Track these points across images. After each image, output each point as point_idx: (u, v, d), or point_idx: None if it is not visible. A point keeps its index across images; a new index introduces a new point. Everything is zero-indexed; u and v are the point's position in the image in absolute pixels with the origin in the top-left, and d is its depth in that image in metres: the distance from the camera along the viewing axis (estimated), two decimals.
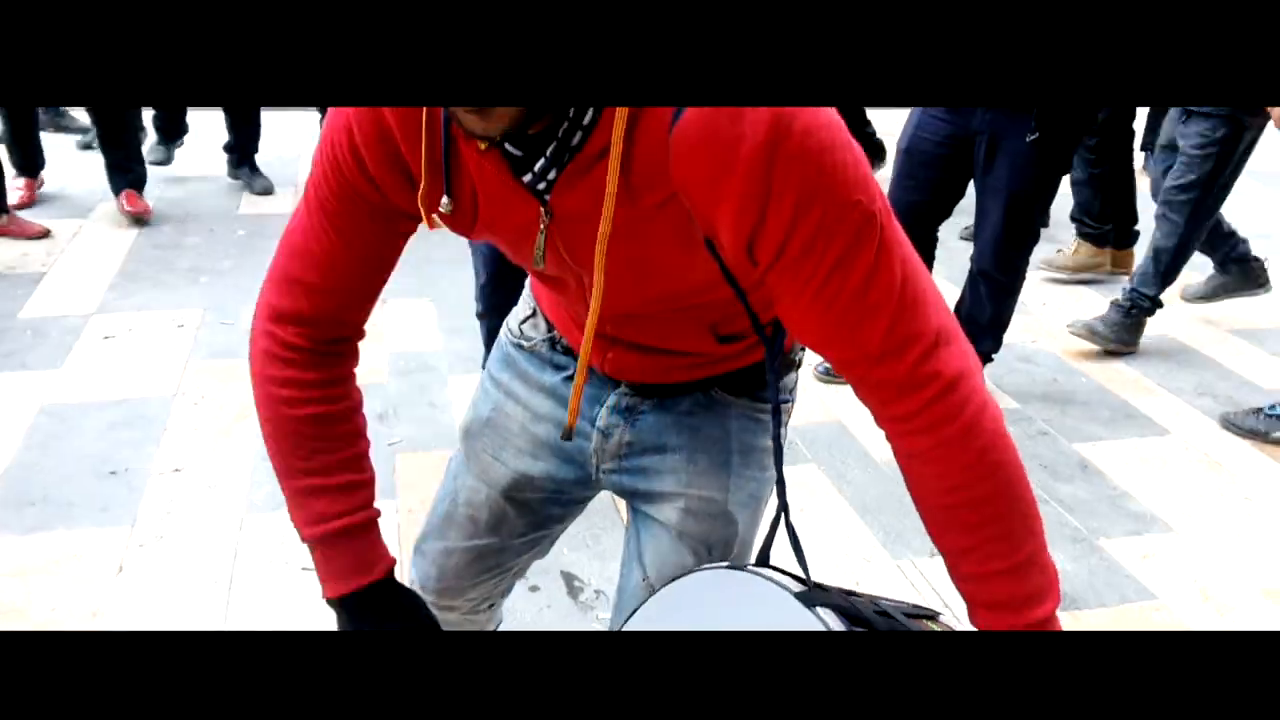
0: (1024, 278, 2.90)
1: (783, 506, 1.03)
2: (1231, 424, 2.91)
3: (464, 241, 1.15)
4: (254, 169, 4.54)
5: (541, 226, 0.89)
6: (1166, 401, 3.06)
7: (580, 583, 2.11)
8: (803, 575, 0.92)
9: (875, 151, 5.08)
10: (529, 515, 1.26)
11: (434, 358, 3.07)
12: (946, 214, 2.89)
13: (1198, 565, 2.28)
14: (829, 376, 3.03)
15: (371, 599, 1.03)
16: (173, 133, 4.73)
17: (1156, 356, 3.36)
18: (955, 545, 0.90)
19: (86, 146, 5.09)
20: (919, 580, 2.17)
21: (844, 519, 2.39)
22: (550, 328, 1.21)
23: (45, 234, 3.79)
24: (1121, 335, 3.33)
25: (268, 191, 4.48)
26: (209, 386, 2.80)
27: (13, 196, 3.92)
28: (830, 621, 0.83)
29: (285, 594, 2.01)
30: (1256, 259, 3.58)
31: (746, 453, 1.16)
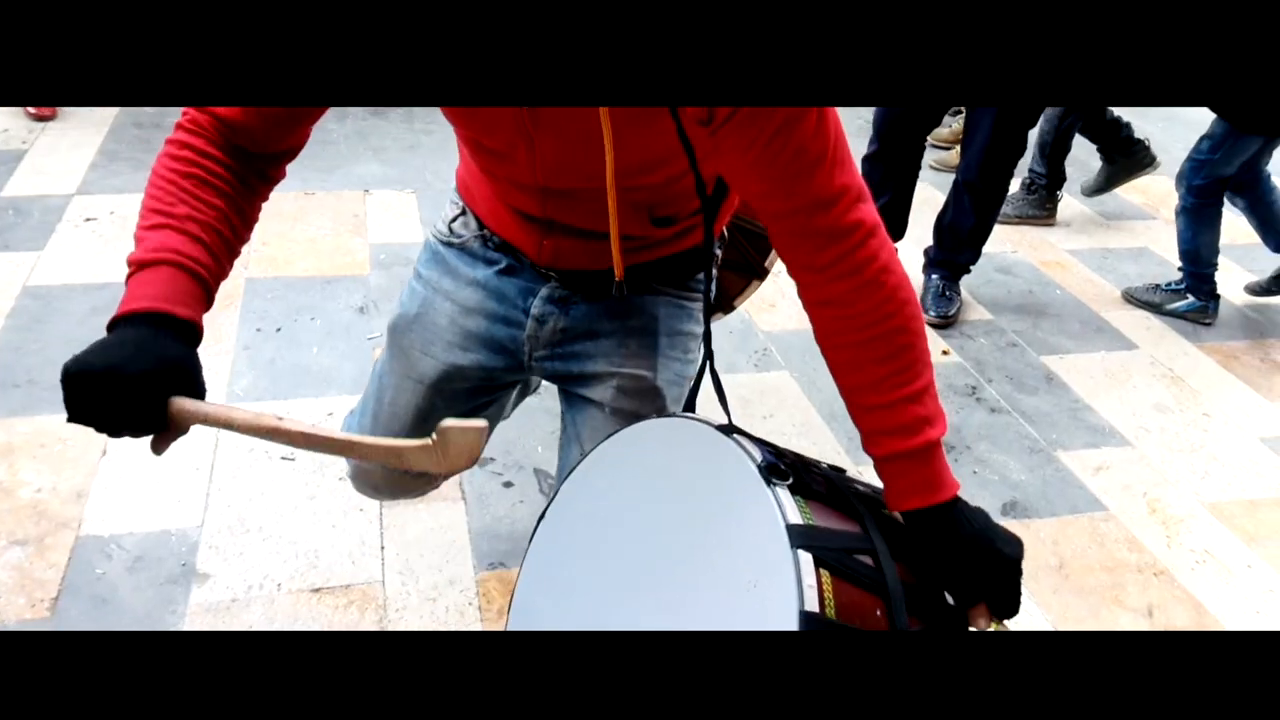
0: (1007, 189, 2.91)
1: (708, 355, 1.14)
2: (1132, 296, 3.17)
3: (448, 131, 1.18)
4: None
5: None
6: (1138, 316, 3.10)
7: (553, 479, 2.18)
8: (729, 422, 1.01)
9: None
10: (458, 405, 1.33)
11: (416, 250, 3.08)
12: (935, 124, 2.88)
13: (1150, 480, 2.36)
14: None
15: (147, 324, 0.90)
16: None
17: (1134, 270, 3.39)
18: (864, 380, 0.98)
19: None
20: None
21: (810, 424, 2.46)
22: (480, 225, 1.25)
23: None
24: (1023, 210, 3.66)
25: None
26: None
27: None
28: (747, 445, 0.91)
29: (265, 483, 2.07)
30: (1141, 141, 3.67)
31: (673, 335, 1.24)
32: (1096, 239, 3.63)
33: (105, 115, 3.78)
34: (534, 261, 1.23)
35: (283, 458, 2.14)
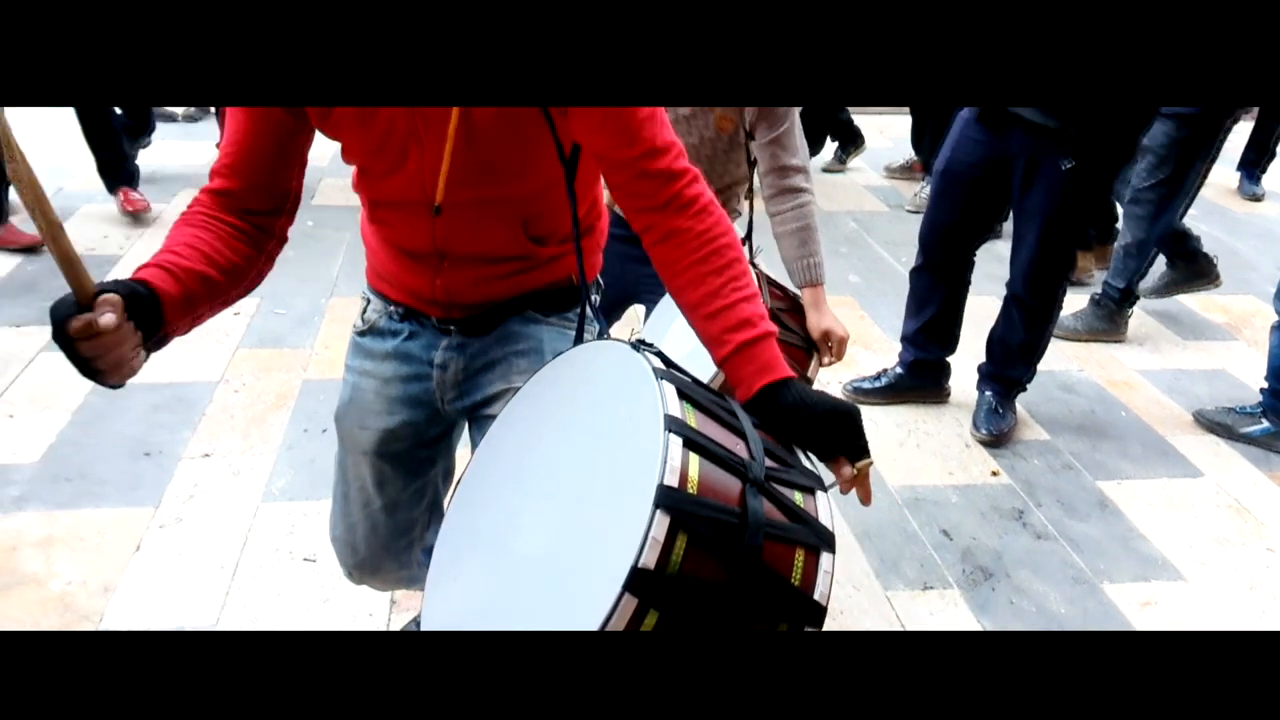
0: (1059, 305, 2.84)
1: (579, 336, 1.35)
2: (1203, 419, 3.03)
3: None
4: None
5: None
6: (1206, 441, 2.95)
7: None
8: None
9: (852, 138, 5.31)
10: (403, 465, 1.51)
11: None
12: (982, 235, 2.85)
13: (1200, 617, 2.21)
14: (856, 395, 3.02)
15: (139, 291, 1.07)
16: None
17: (1208, 392, 3.24)
18: (705, 291, 1.16)
19: (190, 119, 5.36)
20: (906, 617, 2.16)
21: (841, 543, 2.39)
22: (385, 301, 1.45)
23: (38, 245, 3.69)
24: (1092, 324, 3.55)
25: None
26: (251, 375, 2.94)
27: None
28: (651, 358, 1.03)
29: (284, 584, 2.11)
30: (1206, 255, 3.62)
31: (558, 354, 1.31)
32: (1170, 358, 3.49)
33: None
34: (430, 315, 1.41)
35: (304, 559, 2.18)
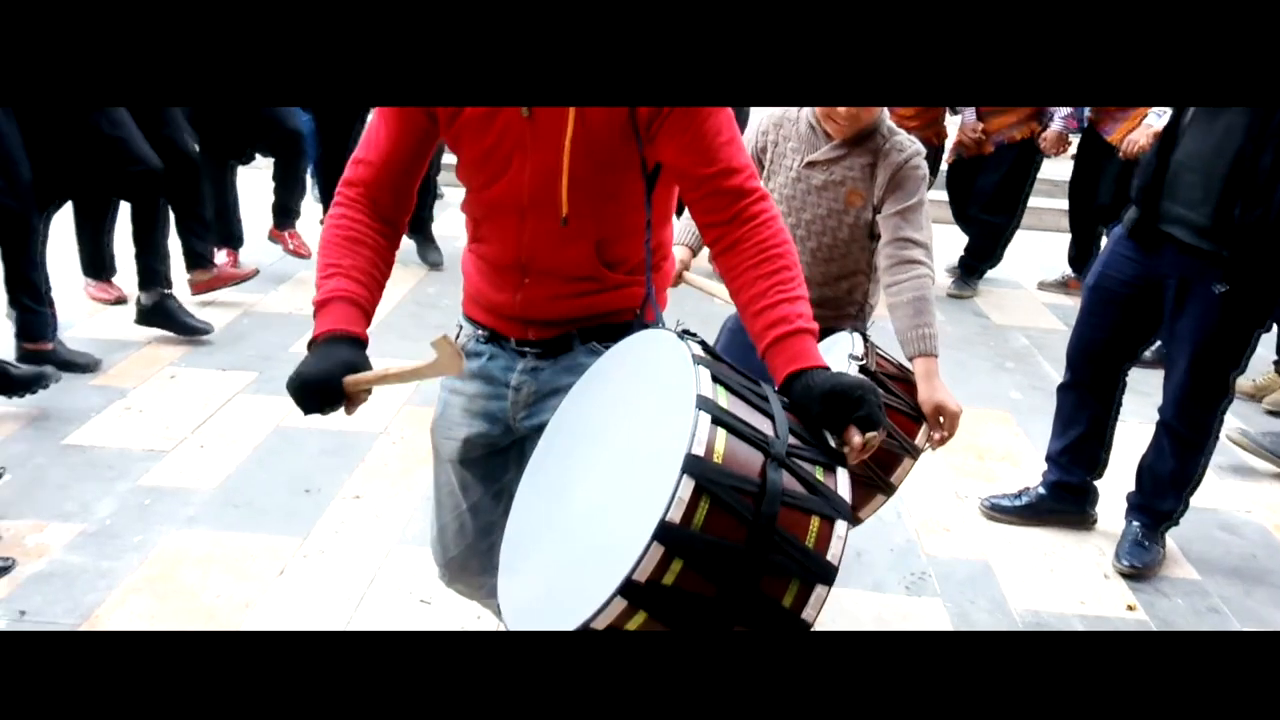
0: (1215, 436, 2.69)
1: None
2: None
3: None
4: (427, 238, 4.96)
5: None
6: None
7: None
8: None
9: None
10: (481, 470, 1.68)
11: None
12: (1132, 356, 2.76)
13: None
14: (994, 513, 2.94)
15: (329, 341, 1.38)
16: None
17: None
18: (755, 292, 1.35)
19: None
20: None
21: None
22: (474, 326, 1.64)
23: (254, 273, 4.33)
24: (1278, 446, 3.35)
25: (438, 266, 4.89)
26: (410, 430, 3.19)
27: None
28: (693, 346, 1.21)
29: (399, 619, 2.28)
30: None
31: None
32: None
33: (398, 291, 4.40)
34: (509, 337, 1.59)
35: (421, 600, 2.34)
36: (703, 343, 1.24)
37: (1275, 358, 3.97)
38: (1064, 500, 2.94)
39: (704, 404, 1.10)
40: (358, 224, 1.48)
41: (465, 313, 1.67)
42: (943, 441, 1.94)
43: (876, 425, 1.23)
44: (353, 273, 1.44)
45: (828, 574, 1.12)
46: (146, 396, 3.31)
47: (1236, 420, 3.59)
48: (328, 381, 1.32)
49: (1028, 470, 3.25)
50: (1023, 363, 4.26)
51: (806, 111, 2.12)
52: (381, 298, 1.48)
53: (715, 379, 1.15)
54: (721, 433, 1.09)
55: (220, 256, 4.32)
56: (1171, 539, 2.85)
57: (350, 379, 1.33)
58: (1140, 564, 2.71)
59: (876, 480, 1.92)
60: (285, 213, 4.57)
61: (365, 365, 1.37)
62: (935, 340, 1.95)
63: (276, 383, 3.42)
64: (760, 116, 2.23)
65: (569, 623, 1.07)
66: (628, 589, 1.04)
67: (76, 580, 2.34)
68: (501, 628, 2.08)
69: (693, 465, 1.05)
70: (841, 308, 2.17)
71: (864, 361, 1.88)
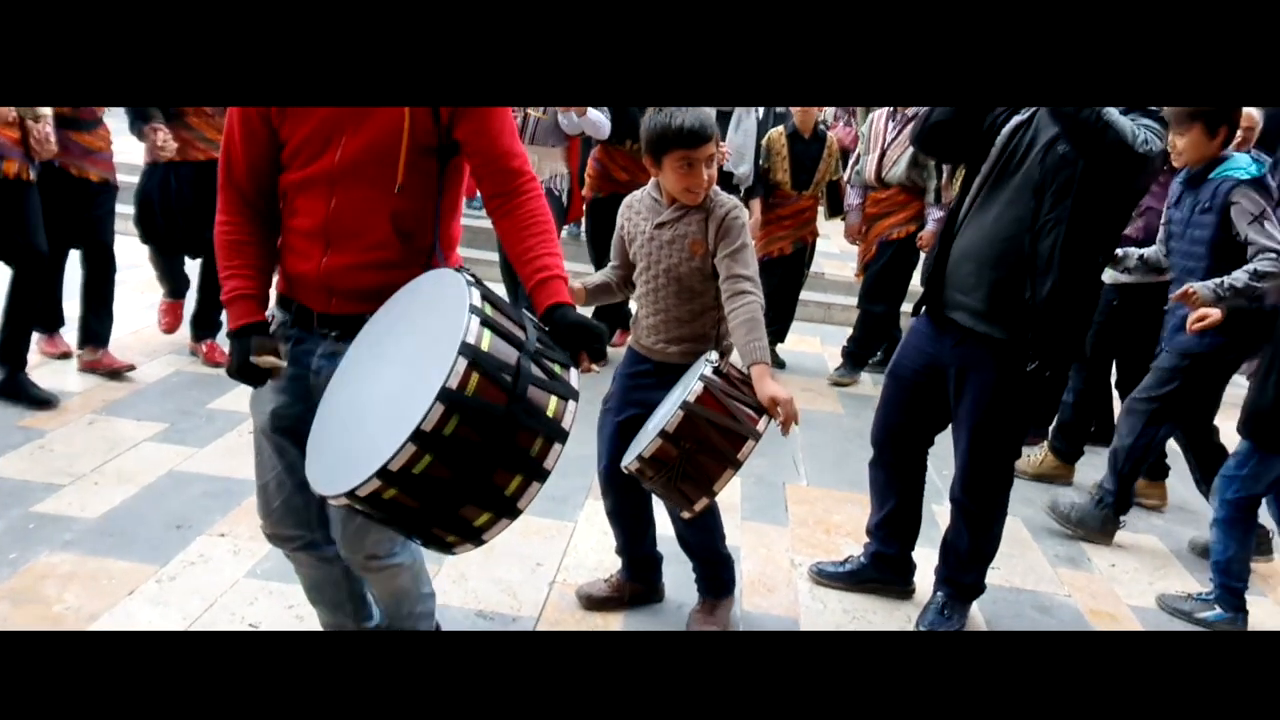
0: (1001, 511, 2.91)
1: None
2: (1165, 605, 3.24)
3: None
4: None
5: None
6: None
7: None
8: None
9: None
10: (293, 436, 1.94)
11: None
12: (928, 439, 3.00)
13: None
14: (820, 578, 3.15)
15: (238, 334, 1.87)
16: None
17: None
18: (524, 247, 1.83)
19: None
20: None
21: None
22: (285, 305, 1.97)
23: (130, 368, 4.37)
24: (1085, 521, 3.71)
25: None
26: None
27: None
28: (468, 276, 1.63)
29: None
30: (1263, 527, 3.50)
31: None
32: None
33: None
34: (314, 309, 1.92)
35: (250, 624, 2.59)
36: (477, 278, 1.65)
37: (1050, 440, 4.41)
38: (884, 571, 3.14)
39: (475, 310, 1.52)
40: (236, 226, 1.90)
41: (278, 292, 2.00)
42: (786, 423, 2.31)
43: (603, 357, 1.80)
44: (243, 270, 1.89)
45: (562, 435, 1.57)
46: (61, 438, 3.62)
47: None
48: (243, 365, 1.86)
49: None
50: None
51: (647, 188, 2.60)
52: (274, 271, 1.96)
53: (484, 297, 1.58)
54: (488, 332, 1.52)
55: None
56: (980, 613, 3.05)
57: (255, 359, 1.85)
58: (932, 630, 2.91)
59: (727, 457, 2.31)
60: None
61: (269, 341, 1.88)
62: (765, 351, 2.38)
63: (184, 433, 3.75)
64: (619, 213, 2.71)
65: (367, 471, 1.45)
66: (417, 436, 1.43)
67: None
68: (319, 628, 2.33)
69: (466, 349, 1.46)
70: (701, 340, 2.57)
71: (718, 365, 2.34)
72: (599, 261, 5.33)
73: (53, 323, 4.46)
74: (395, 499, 1.51)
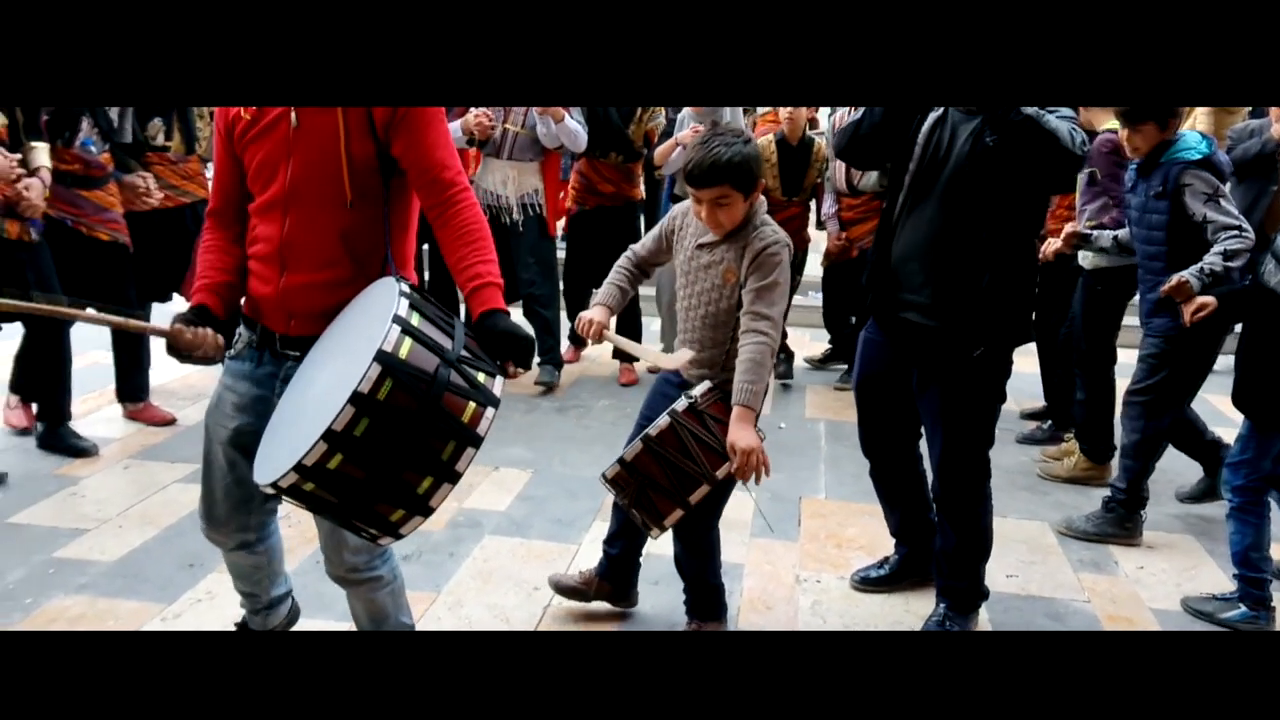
0: (984, 504, 2.85)
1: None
2: (1188, 607, 3.12)
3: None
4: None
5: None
6: None
7: None
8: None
9: None
10: (245, 455, 2.03)
11: (492, 518, 3.60)
12: (913, 443, 2.98)
13: None
14: (864, 585, 3.10)
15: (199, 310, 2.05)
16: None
17: None
18: (459, 255, 1.92)
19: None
20: None
21: None
22: (248, 325, 2.10)
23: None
24: (1103, 528, 3.60)
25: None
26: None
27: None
28: (404, 286, 1.76)
29: None
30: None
31: None
32: (1200, 582, 3.23)
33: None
34: (275, 330, 2.03)
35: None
36: (415, 288, 1.79)
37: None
38: (917, 569, 3.13)
39: (398, 320, 1.64)
40: (215, 237, 2.11)
41: (243, 313, 2.13)
42: (743, 472, 2.30)
43: (528, 365, 1.90)
44: (209, 272, 2.08)
45: (475, 440, 1.67)
46: (94, 484, 3.80)
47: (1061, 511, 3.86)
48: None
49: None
50: None
51: None
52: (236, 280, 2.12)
53: (413, 307, 1.70)
54: (408, 339, 1.64)
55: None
56: (990, 622, 2.96)
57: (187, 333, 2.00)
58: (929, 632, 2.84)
59: (678, 499, 2.35)
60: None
61: (199, 322, 2.02)
62: (759, 399, 2.35)
63: None
64: (675, 208, 2.70)
65: (287, 464, 1.60)
66: (328, 435, 1.57)
67: None
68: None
69: (382, 356, 1.59)
70: (713, 367, 2.53)
71: (695, 401, 2.37)
72: (573, 274, 5.31)
73: (134, 393, 4.52)
74: (314, 492, 1.67)
